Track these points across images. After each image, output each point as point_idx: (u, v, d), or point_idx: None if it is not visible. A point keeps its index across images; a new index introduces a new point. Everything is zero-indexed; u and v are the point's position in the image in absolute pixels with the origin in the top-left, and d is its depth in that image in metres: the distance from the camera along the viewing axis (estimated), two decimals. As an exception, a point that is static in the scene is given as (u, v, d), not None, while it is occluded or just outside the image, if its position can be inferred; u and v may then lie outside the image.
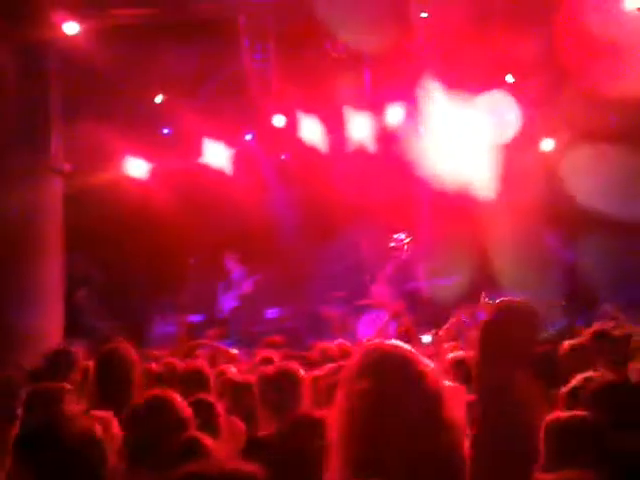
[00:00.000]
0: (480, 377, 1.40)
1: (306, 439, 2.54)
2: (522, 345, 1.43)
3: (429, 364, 1.57)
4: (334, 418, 1.55)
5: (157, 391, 2.58)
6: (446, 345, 4.27)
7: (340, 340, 4.93)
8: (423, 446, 1.43)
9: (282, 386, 2.89)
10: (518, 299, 1.46)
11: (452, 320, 4.77)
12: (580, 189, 8.65)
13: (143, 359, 4.57)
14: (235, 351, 5.16)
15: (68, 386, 2.99)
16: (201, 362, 4.03)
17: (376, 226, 8.99)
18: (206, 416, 2.69)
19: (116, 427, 2.78)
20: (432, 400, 1.49)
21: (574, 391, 2.53)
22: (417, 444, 1.44)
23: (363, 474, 1.42)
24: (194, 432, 2.36)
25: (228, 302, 8.89)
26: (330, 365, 3.64)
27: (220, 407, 3.09)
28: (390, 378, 1.50)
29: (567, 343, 3.61)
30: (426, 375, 1.52)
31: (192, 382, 3.41)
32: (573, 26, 7.80)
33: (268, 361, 4.05)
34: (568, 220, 9.30)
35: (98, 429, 2.26)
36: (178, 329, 5.04)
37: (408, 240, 8.61)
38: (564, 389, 2.63)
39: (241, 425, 3.09)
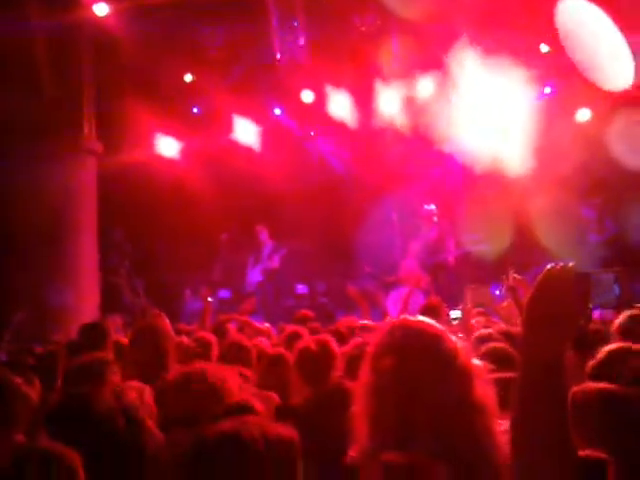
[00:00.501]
0: (528, 352, 1.33)
1: (336, 408, 2.56)
2: (573, 316, 1.34)
3: (457, 341, 1.54)
4: (360, 392, 1.54)
5: (198, 363, 2.59)
6: (474, 320, 4.21)
7: (365, 320, 4.92)
8: (453, 426, 1.42)
9: (321, 359, 2.91)
10: (567, 265, 1.36)
11: (468, 294, 4.67)
12: (621, 155, 8.41)
13: (175, 334, 4.65)
14: (266, 325, 5.20)
15: (109, 357, 3.04)
16: (240, 336, 4.06)
17: (406, 199, 8.87)
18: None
19: (149, 397, 2.83)
20: (461, 379, 1.47)
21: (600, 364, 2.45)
22: (447, 423, 1.42)
23: (392, 450, 1.42)
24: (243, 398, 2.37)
25: (254, 276, 8.91)
26: (356, 340, 3.65)
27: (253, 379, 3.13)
28: (417, 356, 1.47)
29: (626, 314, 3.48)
30: (455, 353, 1.49)
31: (233, 355, 3.42)
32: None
33: (296, 336, 4.09)
34: (609, 189, 9.10)
35: (135, 398, 2.29)
36: (205, 304, 5.12)
37: (436, 212, 8.43)
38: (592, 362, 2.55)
39: (275, 397, 3.12)
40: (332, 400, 2.71)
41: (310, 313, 5.47)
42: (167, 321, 3.64)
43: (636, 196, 8.62)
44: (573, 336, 1.37)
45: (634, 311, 3.51)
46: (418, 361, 1.46)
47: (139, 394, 2.75)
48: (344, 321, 4.95)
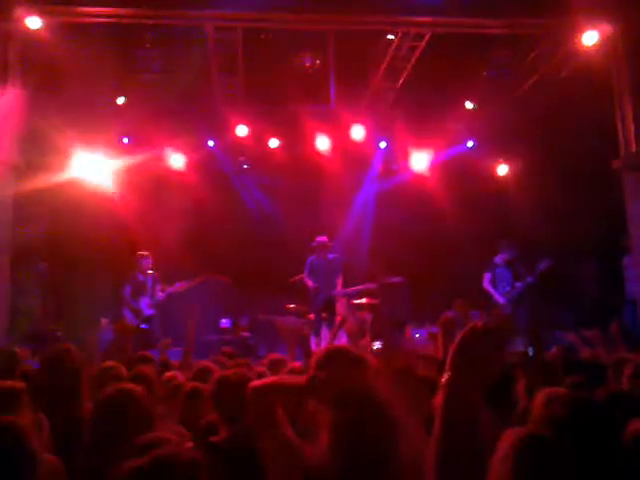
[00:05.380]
0: (450, 392, 1.42)
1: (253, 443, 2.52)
2: (490, 364, 1.46)
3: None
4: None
5: (122, 385, 2.48)
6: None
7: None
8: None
9: (239, 393, 2.83)
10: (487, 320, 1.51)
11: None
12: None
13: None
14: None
15: (20, 386, 2.84)
16: (147, 368, 3.91)
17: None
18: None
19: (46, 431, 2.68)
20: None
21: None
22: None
23: None
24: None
25: (145, 310, 8.51)
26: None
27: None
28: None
29: None
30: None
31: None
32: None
33: (206, 371, 4.02)
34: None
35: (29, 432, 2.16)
36: (116, 337, 4.87)
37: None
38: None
39: (186, 432, 3.03)
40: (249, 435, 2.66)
41: (230, 349, 5.37)
42: (77, 351, 3.45)
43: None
44: (489, 382, 1.47)
45: None
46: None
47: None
48: (269, 357, 4.89)
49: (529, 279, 8.25)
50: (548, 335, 7.60)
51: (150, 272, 8.37)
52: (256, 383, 1.91)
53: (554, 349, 5.35)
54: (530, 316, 8.24)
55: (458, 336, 1.45)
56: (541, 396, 2.31)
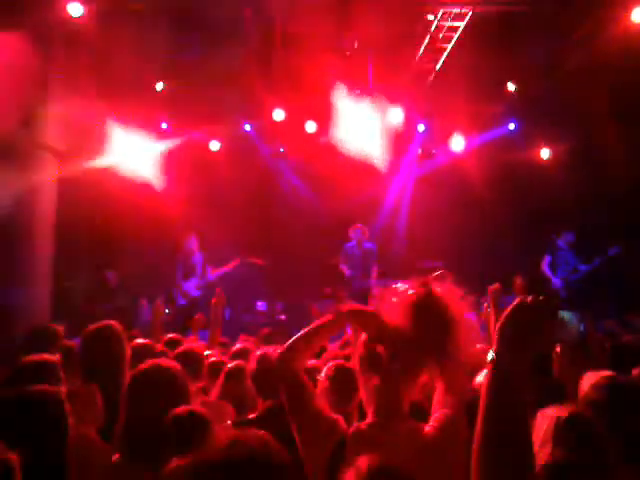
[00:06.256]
0: (498, 365, 1.41)
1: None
2: (539, 339, 1.46)
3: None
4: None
5: (158, 360, 2.49)
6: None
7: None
8: None
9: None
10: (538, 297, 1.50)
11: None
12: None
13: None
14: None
15: (55, 360, 2.89)
16: (197, 345, 3.96)
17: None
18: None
19: (99, 402, 2.72)
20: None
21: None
22: None
23: None
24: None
25: (192, 291, 8.56)
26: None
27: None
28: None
29: None
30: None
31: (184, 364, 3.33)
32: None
33: (244, 352, 4.05)
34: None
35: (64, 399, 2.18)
36: (154, 317, 4.95)
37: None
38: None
39: (230, 408, 3.05)
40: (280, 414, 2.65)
41: (268, 330, 5.40)
42: (121, 328, 3.50)
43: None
44: (537, 354, 1.44)
45: None
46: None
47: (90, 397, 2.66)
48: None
49: (595, 262, 8.15)
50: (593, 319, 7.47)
51: (198, 253, 8.49)
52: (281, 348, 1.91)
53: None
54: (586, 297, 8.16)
55: (506, 310, 1.40)
56: (589, 378, 2.25)
